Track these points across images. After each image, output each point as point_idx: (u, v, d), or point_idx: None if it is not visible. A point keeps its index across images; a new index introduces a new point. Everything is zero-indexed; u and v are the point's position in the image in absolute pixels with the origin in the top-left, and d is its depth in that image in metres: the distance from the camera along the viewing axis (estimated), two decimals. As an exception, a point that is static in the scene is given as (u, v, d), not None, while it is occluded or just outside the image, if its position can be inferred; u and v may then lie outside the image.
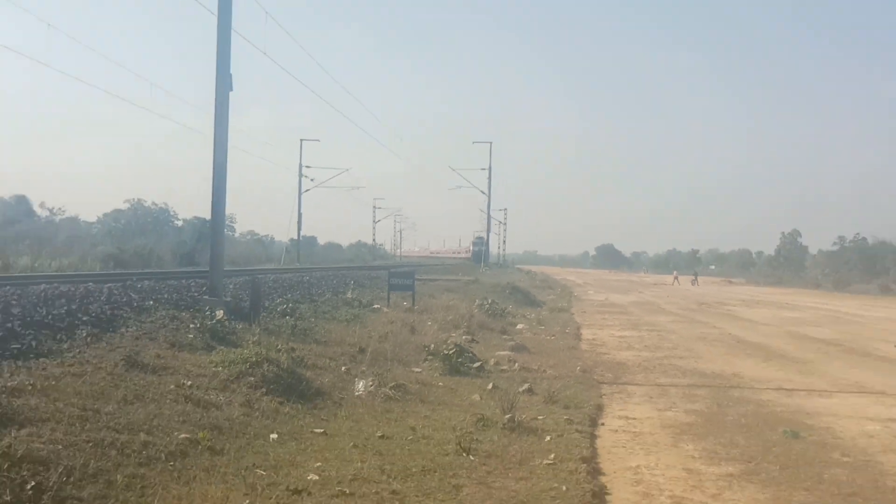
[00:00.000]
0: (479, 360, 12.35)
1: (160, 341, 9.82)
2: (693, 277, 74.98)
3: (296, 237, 58.82)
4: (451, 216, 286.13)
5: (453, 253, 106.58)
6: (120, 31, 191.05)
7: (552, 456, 6.92)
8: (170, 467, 5.72)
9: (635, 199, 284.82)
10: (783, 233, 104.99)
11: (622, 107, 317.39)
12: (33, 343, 8.40)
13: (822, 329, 22.48)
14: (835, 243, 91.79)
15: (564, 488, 6.00)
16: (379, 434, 7.40)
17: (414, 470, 6.26)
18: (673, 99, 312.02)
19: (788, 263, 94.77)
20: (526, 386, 10.51)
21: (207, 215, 15.79)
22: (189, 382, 8.08)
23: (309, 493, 5.51)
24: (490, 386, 10.41)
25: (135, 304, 12.02)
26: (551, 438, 7.66)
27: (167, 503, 4.71)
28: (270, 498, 5.13)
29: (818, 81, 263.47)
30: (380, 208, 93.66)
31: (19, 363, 7.51)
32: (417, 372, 11.21)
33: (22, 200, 55.87)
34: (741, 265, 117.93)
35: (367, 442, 7.12)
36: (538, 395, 10.00)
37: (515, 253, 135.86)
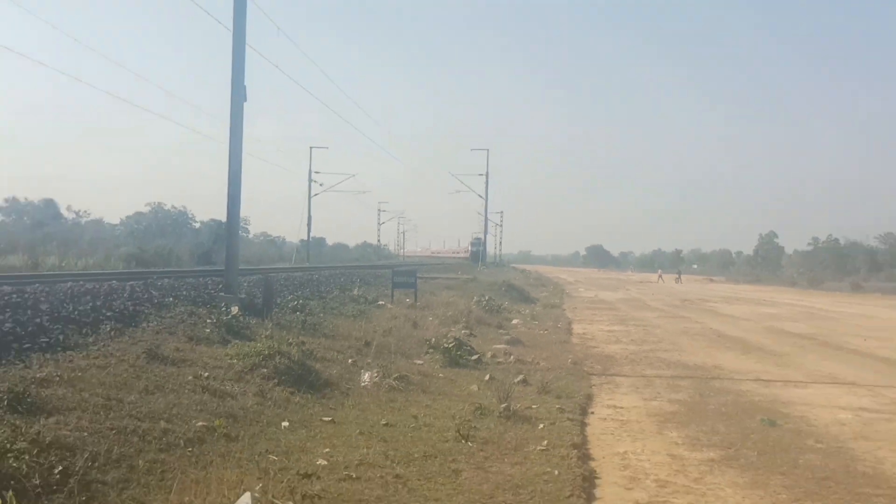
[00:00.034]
0: (476, 353, 12.34)
1: (179, 335, 9.81)
2: (677, 276, 74.87)
3: (306, 238, 58.78)
4: (450, 218, 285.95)
5: (453, 253, 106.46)
6: (141, 45, 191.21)
7: (545, 442, 6.92)
8: (188, 453, 5.73)
9: (623, 203, 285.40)
10: (761, 234, 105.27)
11: (610, 116, 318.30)
12: (61, 337, 8.40)
13: (797, 324, 22.47)
14: (809, 244, 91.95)
15: (556, 472, 6.00)
16: (383, 422, 7.40)
17: (416, 455, 6.26)
18: (657, 108, 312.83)
19: (766, 263, 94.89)
20: (521, 377, 10.51)
21: (223, 218, 15.78)
22: (206, 374, 8.08)
23: (318, 477, 5.51)
24: (487, 377, 10.41)
25: (155, 301, 12.02)
26: (544, 426, 7.65)
27: (186, 486, 4.70)
28: (282, 482, 5.13)
29: (794, 93, 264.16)
30: (384, 211, 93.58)
31: (48, 356, 7.51)
32: (419, 364, 11.21)
33: (50, 204, 55.97)
34: (722, 264, 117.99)
35: (372, 429, 7.12)
36: (532, 386, 10.00)
37: (511, 253, 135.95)
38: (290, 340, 9.99)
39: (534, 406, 8.66)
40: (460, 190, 74.29)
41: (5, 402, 5.60)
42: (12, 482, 4.45)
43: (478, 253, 76.91)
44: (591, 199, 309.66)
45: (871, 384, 11.26)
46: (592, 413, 8.86)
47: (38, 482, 4.58)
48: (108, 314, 10.15)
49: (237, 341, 10.00)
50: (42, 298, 10.59)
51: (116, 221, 58.50)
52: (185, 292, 13.81)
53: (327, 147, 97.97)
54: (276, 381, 8.35)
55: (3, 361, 7.08)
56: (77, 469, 4.83)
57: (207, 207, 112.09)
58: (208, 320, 10.90)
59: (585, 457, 6.75)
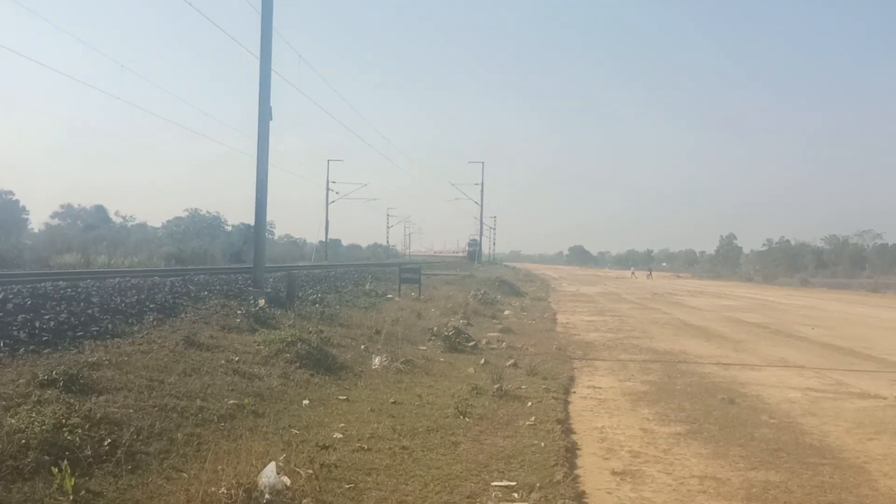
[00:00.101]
0: (473, 340, 12.32)
1: (213, 325, 9.80)
2: (648, 273, 74.82)
3: (324, 239, 58.83)
4: (450, 222, 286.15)
5: (452, 252, 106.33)
6: (181, 70, 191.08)
7: (533, 418, 6.91)
8: (221, 427, 5.72)
9: (601, 208, 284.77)
10: (722, 236, 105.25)
11: (589, 132, 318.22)
12: (109, 326, 8.39)
13: (753, 315, 22.43)
14: (764, 244, 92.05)
15: (543, 444, 5.99)
16: (391, 400, 7.39)
17: (420, 429, 6.25)
18: (630, 125, 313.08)
19: (726, 261, 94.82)
20: (511, 361, 10.49)
21: (252, 221, 15.76)
22: (237, 358, 8.07)
23: (334, 449, 5.50)
24: (482, 361, 10.39)
25: (192, 295, 12.01)
26: (532, 404, 7.64)
27: (219, 457, 4.70)
28: (303, 452, 5.12)
29: (748, 110, 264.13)
30: (392, 216, 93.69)
31: (98, 342, 7.51)
32: (423, 350, 11.19)
33: (100, 210, 55.88)
34: (687, 262, 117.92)
35: (382, 407, 7.10)
36: (521, 369, 9.98)
37: (503, 252, 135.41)
38: (310, 329, 9.99)
39: (523, 386, 8.64)
40: (459, 197, 74.19)
41: (61, 383, 5.60)
42: (67, 453, 4.45)
43: (474, 252, 76.87)
44: (573, 204, 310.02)
45: (817, 367, 11.24)
46: (574, 392, 8.84)
47: (89, 453, 4.58)
48: (151, 306, 10.14)
49: (264, 330, 9.98)
50: (93, 292, 10.58)
51: (158, 225, 58.42)
52: (218, 287, 13.80)
53: (343, 160, 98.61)
54: (297, 364, 8.34)
55: (60, 347, 7.08)
56: (124, 441, 4.82)
57: (238, 213, 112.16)
58: (238, 311, 10.89)
59: (568, 431, 6.73)
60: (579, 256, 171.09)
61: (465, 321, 15.39)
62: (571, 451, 6.00)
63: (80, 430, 4.72)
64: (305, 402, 7.01)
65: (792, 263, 78.66)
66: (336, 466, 5.02)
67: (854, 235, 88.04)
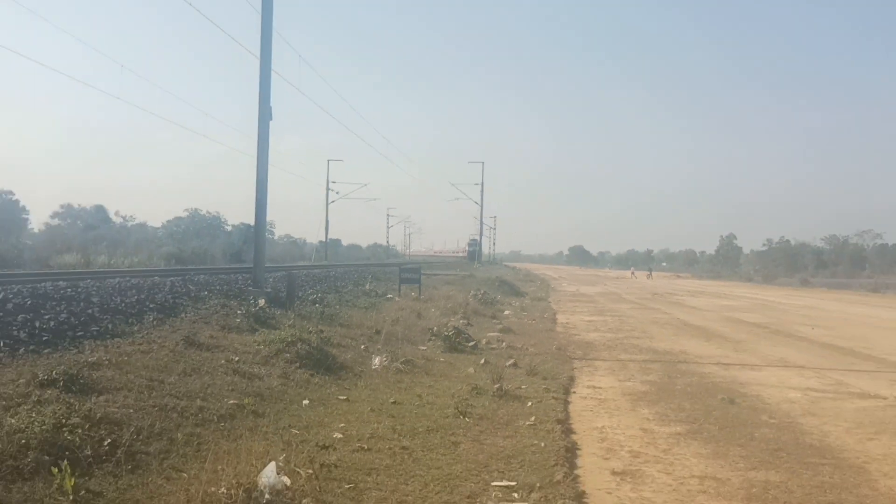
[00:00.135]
0: (473, 340, 12.32)
1: (213, 324, 9.80)
2: (648, 272, 74.81)
3: (324, 239, 58.84)
4: (450, 221, 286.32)
5: (452, 252, 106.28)
6: (181, 70, 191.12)
7: (533, 418, 6.91)
8: (221, 427, 5.72)
9: (601, 208, 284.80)
10: (722, 236, 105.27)
11: (590, 132, 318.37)
12: (109, 326, 8.39)
13: (753, 315, 22.43)
14: (764, 244, 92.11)
15: (543, 444, 5.99)
16: (391, 400, 7.39)
17: (420, 429, 6.25)
18: (629, 125, 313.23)
19: (726, 261, 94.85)
20: (511, 361, 10.49)
21: (252, 221, 15.76)
22: (237, 358, 8.07)
23: (334, 449, 5.50)
24: (482, 361, 10.38)
25: (192, 294, 12.01)
26: (532, 404, 7.64)
27: (219, 457, 4.70)
28: (303, 452, 5.12)
29: (748, 110, 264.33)
30: (392, 216, 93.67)
31: (98, 342, 7.50)
32: (423, 350, 11.19)
33: (100, 209, 55.87)
34: (687, 262, 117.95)
35: (381, 407, 7.10)
36: (521, 369, 9.98)
37: (503, 252, 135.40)
38: (310, 329, 9.99)
39: (523, 386, 8.64)
40: (459, 197, 74.14)
41: (61, 383, 5.60)
42: (67, 453, 4.45)
43: (474, 252, 76.86)
44: (573, 204, 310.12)
45: (817, 367, 11.24)
46: (574, 392, 8.84)
47: (89, 453, 4.58)
48: (151, 306, 10.14)
49: (264, 330, 9.98)
50: (93, 292, 10.58)
51: (158, 225, 58.42)
52: (218, 287, 13.80)
53: (343, 160, 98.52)
54: (297, 364, 8.33)
55: (60, 347, 7.08)
56: (124, 441, 4.82)
57: (238, 213, 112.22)
58: (238, 311, 10.89)
59: (568, 431, 6.73)
60: (579, 256, 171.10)
61: (465, 321, 15.38)
62: (571, 451, 6.00)
63: (80, 430, 4.72)
64: (305, 402, 7.01)
65: (792, 263, 78.70)
66: (336, 466, 5.02)
67: (854, 235, 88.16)
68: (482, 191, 68.22)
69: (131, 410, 5.46)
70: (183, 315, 10.04)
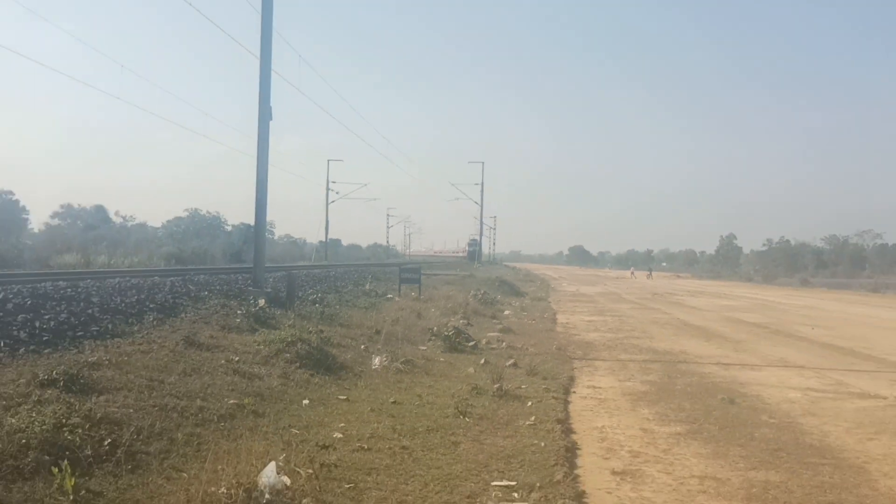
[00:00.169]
0: (473, 340, 12.32)
1: (213, 324, 9.80)
2: (648, 272, 74.80)
3: (324, 239, 58.85)
4: (450, 221, 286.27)
5: (452, 252, 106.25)
6: (181, 70, 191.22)
7: (533, 418, 6.91)
8: (221, 427, 5.72)
9: (601, 207, 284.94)
10: (722, 236, 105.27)
11: (590, 133, 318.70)
12: (109, 326, 8.39)
13: (753, 315, 22.44)
14: (764, 244, 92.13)
15: (543, 444, 5.99)
16: (392, 400, 7.39)
17: (420, 429, 6.25)
18: (629, 125, 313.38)
19: (726, 261, 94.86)
20: (511, 361, 10.49)
21: (252, 221, 15.76)
22: (237, 358, 8.07)
23: (334, 449, 5.50)
24: (482, 361, 10.39)
25: (192, 294, 12.01)
26: (532, 404, 7.64)
27: (219, 456, 4.70)
28: (303, 452, 5.12)
29: (748, 110, 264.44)
30: (392, 216, 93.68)
31: (98, 342, 7.51)
32: (423, 350, 11.19)
33: (100, 210, 55.87)
34: (687, 262, 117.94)
35: (382, 407, 7.10)
36: (521, 369, 9.98)
37: (503, 252, 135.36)
38: (310, 329, 9.99)
39: (523, 386, 8.64)
40: (459, 198, 74.04)
41: (61, 383, 5.60)
42: (67, 453, 4.45)
43: (474, 252, 76.85)
44: (573, 204, 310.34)
45: (817, 367, 11.25)
46: (574, 392, 8.84)
47: (89, 453, 4.58)
48: (151, 306, 10.14)
49: (264, 330, 9.98)
50: (93, 292, 10.58)
51: (158, 225, 58.42)
52: (218, 287, 13.80)
53: (343, 160, 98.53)
54: (297, 364, 8.34)
55: (60, 347, 7.08)
56: (124, 441, 4.82)
57: (238, 213, 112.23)
58: (238, 311, 10.89)
59: (568, 431, 6.73)
60: (579, 256, 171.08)
61: (465, 321, 15.38)
62: (571, 451, 6.00)
63: (80, 430, 4.72)
64: (305, 401, 7.01)
65: (792, 263, 78.71)
66: (336, 466, 5.02)
67: (854, 235, 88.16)
68: (482, 191, 68.31)
69: (131, 410, 5.46)
70: (183, 315, 10.04)
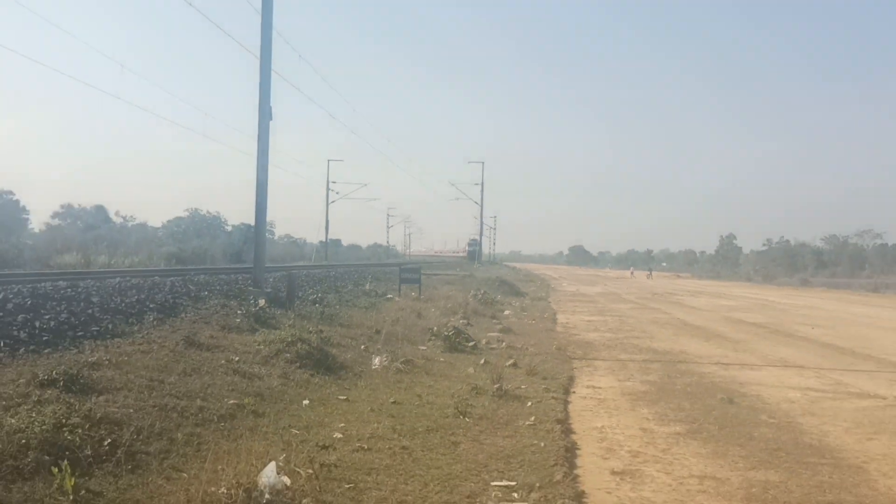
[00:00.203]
0: (473, 340, 12.32)
1: (213, 324, 9.80)
2: (648, 272, 74.82)
3: (324, 239, 58.90)
4: (451, 221, 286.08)
5: (452, 252, 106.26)
6: (182, 71, 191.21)
7: (532, 418, 6.91)
8: (221, 427, 5.72)
9: (600, 207, 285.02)
10: (721, 236, 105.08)
11: (588, 134, 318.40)
12: (109, 326, 8.40)
13: (752, 314, 22.44)
14: (764, 244, 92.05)
15: (543, 444, 6.00)
16: (391, 400, 7.39)
17: (420, 429, 6.26)
18: (630, 126, 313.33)
19: (726, 261, 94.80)
20: (511, 361, 10.49)
21: (252, 222, 15.78)
22: (237, 358, 8.07)
23: (334, 449, 5.51)
24: (482, 361, 10.39)
25: (192, 294, 12.02)
26: (532, 404, 7.64)
27: (219, 456, 4.70)
28: (303, 452, 5.12)
29: (749, 110, 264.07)
30: (392, 216, 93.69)
31: (98, 342, 7.51)
32: (423, 349, 11.20)
33: (100, 209, 55.85)
34: (687, 262, 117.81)
35: (381, 407, 7.11)
36: (521, 369, 9.98)
37: (503, 252, 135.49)
38: (310, 329, 9.99)
39: (523, 386, 8.65)
40: (459, 197, 73.86)
41: (61, 383, 5.60)
42: (67, 453, 4.46)
43: (474, 252, 76.86)
44: (573, 204, 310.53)
45: (817, 367, 11.25)
46: (574, 392, 8.84)
47: (89, 453, 4.58)
48: (151, 306, 10.15)
49: (264, 330, 9.98)
50: (93, 292, 10.59)
51: (158, 225, 58.33)
52: (218, 287, 13.81)
53: (342, 160, 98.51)
54: (297, 364, 8.34)
55: (60, 347, 7.08)
56: (124, 441, 4.83)
57: (238, 213, 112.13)
58: (239, 311, 10.89)
59: (568, 431, 6.73)
60: (579, 256, 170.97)
61: (465, 321, 15.38)
62: (571, 451, 6.01)
63: (80, 430, 4.72)
64: (305, 401, 7.01)
65: (792, 263, 78.64)
66: (336, 466, 5.02)
67: (854, 235, 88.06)
68: (482, 191, 68.35)
69: (131, 410, 5.46)
70: (183, 315, 10.05)
